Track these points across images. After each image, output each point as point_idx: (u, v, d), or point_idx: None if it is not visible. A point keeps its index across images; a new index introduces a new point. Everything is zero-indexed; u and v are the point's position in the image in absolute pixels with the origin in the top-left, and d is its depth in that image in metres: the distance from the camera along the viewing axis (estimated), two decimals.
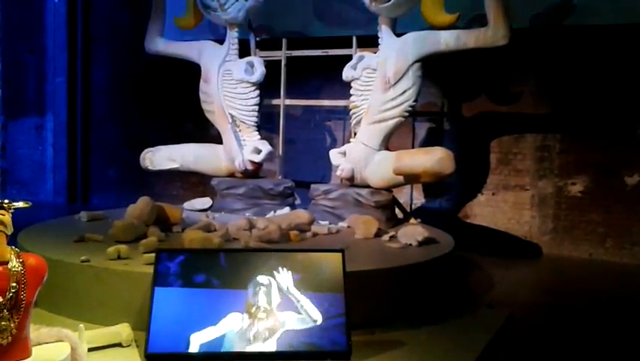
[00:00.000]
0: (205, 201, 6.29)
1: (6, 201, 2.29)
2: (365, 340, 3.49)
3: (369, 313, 3.73)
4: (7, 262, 2.23)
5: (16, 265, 2.23)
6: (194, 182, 8.26)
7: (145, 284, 3.50)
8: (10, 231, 2.31)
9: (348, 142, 5.97)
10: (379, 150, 5.61)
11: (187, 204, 6.18)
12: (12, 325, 2.20)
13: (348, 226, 5.31)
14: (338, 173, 5.81)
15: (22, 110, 9.70)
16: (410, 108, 5.58)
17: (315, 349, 3.25)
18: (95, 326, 3.46)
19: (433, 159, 5.16)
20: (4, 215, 2.26)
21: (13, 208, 2.30)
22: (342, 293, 3.41)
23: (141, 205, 4.81)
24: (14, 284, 2.21)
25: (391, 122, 5.57)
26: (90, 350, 3.11)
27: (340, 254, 3.57)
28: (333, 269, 3.51)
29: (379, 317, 3.82)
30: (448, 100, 7.31)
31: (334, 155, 5.88)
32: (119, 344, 3.35)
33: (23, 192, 9.36)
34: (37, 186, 9.57)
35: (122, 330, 3.39)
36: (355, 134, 5.84)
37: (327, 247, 4.24)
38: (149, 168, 6.45)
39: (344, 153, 5.78)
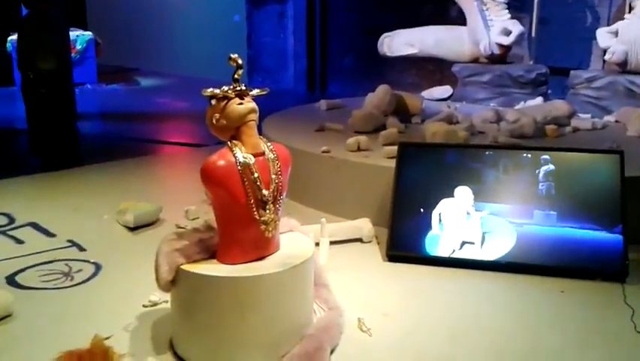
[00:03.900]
0: (445, 90, 5.88)
1: (244, 87, 2.09)
2: None
3: None
4: (262, 153, 2.08)
5: (272, 156, 2.08)
6: (431, 69, 7.80)
7: (385, 178, 3.30)
8: None
9: (622, 19, 5.01)
10: None
11: (426, 93, 5.82)
12: (275, 217, 2.09)
13: (617, 121, 4.56)
14: (607, 57, 4.94)
15: None
16: None
17: (584, 265, 2.82)
18: (335, 218, 3.39)
19: None
20: (251, 102, 2.07)
21: (252, 96, 2.10)
22: (618, 204, 2.88)
23: (380, 94, 4.59)
24: (274, 176, 2.06)
25: None
26: (331, 243, 3.04)
27: (618, 156, 3.00)
28: (606, 174, 2.98)
29: None
30: None
31: (603, 35, 4.98)
32: (359, 240, 3.25)
33: (268, 79, 9.80)
34: (280, 73, 9.95)
35: (364, 225, 3.27)
36: (632, 9, 4.85)
37: (597, 147, 3.57)
38: (387, 54, 6.18)
39: (616, 33, 4.86)
